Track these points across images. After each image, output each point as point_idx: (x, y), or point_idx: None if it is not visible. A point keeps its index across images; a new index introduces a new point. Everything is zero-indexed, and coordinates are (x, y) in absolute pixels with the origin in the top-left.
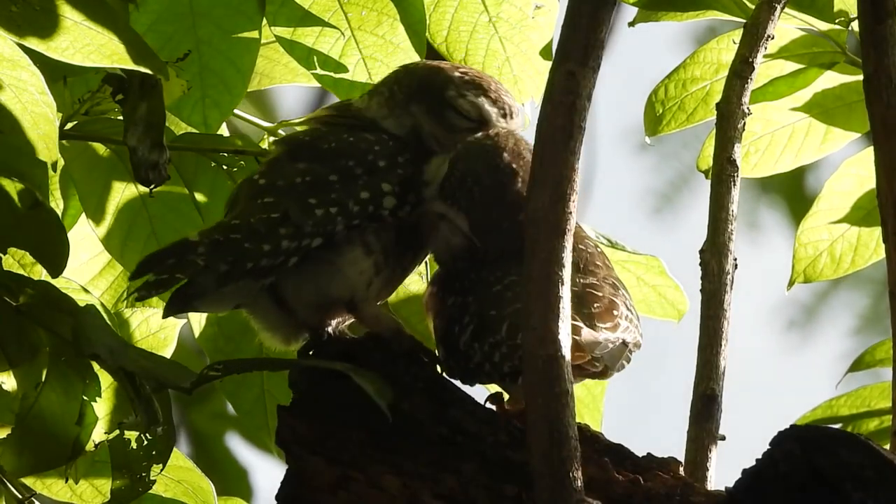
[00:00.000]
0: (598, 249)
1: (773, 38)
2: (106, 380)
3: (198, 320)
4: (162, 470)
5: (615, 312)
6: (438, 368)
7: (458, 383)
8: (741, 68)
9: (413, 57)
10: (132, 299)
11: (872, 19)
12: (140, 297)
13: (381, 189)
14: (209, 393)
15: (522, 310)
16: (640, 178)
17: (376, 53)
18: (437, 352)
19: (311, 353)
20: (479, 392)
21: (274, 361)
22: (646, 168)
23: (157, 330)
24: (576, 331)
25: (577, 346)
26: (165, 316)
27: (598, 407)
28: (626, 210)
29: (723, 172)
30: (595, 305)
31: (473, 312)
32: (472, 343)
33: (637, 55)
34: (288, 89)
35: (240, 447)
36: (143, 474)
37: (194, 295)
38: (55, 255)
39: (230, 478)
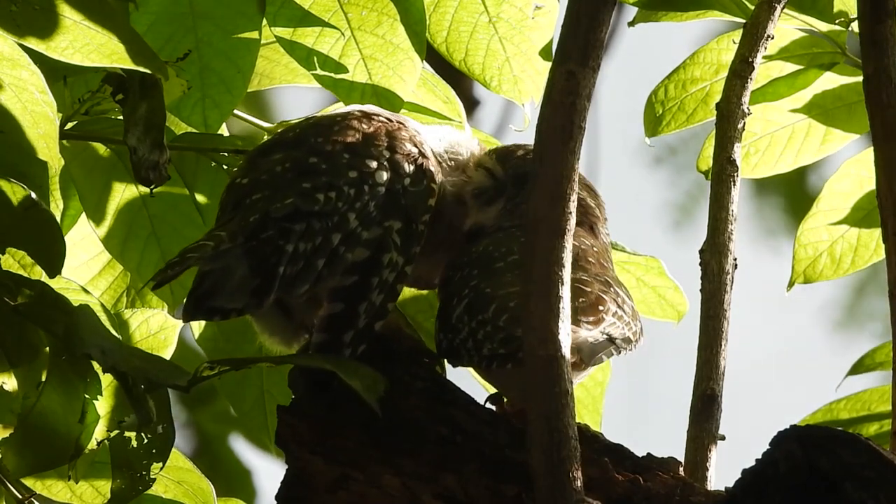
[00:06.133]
0: (595, 248)
1: (772, 39)
2: (107, 378)
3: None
4: (162, 468)
5: (600, 308)
6: (438, 368)
7: (457, 384)
8: (741, 68)
9: (413, 57)
10: (132, 299)
11: (872, 19)
12: (156, 284)
13: (367, 164)
14: (213, 394)
15: (522, 310)
16: (655, 190)
17: (376, 53)
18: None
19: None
20: (480, 392)
21: (269, 357)
22: (660, 181)
23: (157, 331)
24: None
25: None
26: (186, 321)
27: (598, 407)
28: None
29: (723, 172)
30: (580, 300)
31: (473, 286)
32: (463, 316)
33: (650, 54)
34: (288, 89)
35: (244, 448)
36: (143, 472)
37: (207, 294)
38: (52, 255)
39: (234, 478)
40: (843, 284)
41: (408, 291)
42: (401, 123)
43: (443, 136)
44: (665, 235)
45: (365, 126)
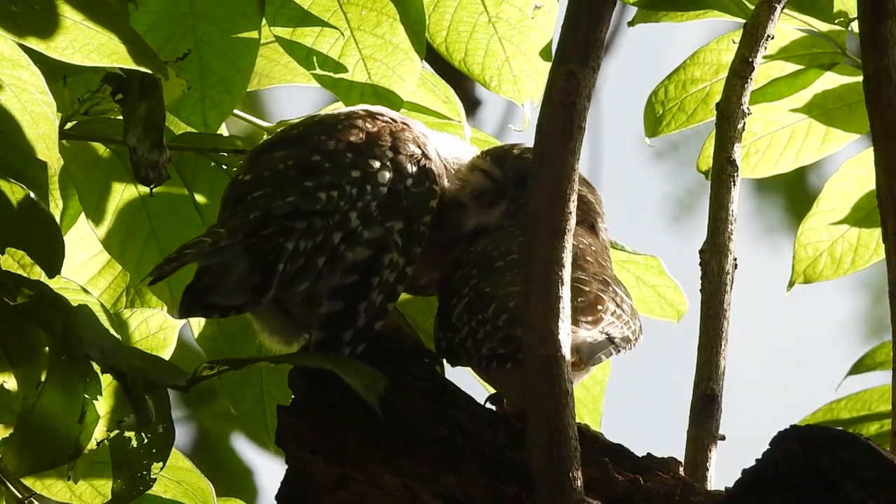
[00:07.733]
0: (593, 247)
1: (773, 39)
2: (107, 378)
3: (197, 320)
4: (162, 468)
5: (599, 307)
6: (438, 368)
7: (457, 384)
8: (741, 68)
9: (413, 57)
10: (132, 299)
11: (872, 19)
12: (154, 279)
13: (370, 164)
14: (214, 392)
15: (523, 310)
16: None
17: (376, 53)
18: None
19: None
20: (480, 392)
21: (268, 357)
22: (661, 176)
23: (156, 330)
24: None
25: None
26: (182, 317)
27: (598, 407)
28: (637, 211)
29: (723, 172)
30: (579, 300)
31: (473, 285)
32: (463, 316)
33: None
34: (288, 89)
35: (245, 447)
36: (144, 472)
37: (205, 290)
38: (51, 255)
39: (235, 477)
40: (843, 284)
41: None
42: (405, 124)
43: (444, 140)
44: (665, 230)
45: (369, 125)
